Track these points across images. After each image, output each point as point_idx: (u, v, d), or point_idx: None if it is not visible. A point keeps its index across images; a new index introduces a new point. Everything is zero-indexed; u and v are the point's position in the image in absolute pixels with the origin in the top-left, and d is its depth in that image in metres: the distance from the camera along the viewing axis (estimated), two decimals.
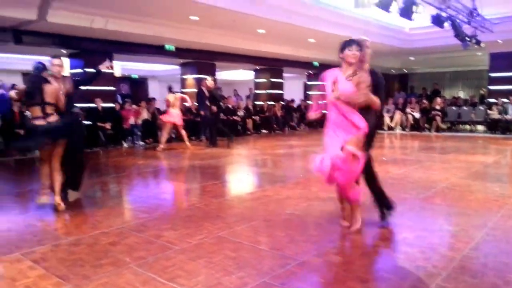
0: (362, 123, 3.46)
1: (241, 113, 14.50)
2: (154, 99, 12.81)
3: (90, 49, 11.08)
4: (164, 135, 10.16)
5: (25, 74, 15.73)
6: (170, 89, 10.44)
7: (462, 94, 19.65)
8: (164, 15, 9.91)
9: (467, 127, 15.59)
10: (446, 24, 9.79)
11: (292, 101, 17.75)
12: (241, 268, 2.99)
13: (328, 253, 3.28)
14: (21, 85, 10.33)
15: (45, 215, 4.46)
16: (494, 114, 13.83)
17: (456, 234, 3.71)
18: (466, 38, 10.95)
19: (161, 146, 9.97)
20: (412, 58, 18.23)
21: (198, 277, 2.85)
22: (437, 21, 9.54)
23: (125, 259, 3.17)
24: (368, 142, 3.64)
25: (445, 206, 4.63)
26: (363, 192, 3.82)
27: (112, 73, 11.99)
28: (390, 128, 15.29)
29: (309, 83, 20.16)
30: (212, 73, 14.97)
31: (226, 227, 3.93)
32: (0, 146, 8.71)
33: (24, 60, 14.43)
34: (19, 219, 4.35)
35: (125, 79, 18.50)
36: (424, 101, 15.62)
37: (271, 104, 16.21)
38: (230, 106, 14.22)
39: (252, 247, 3.41)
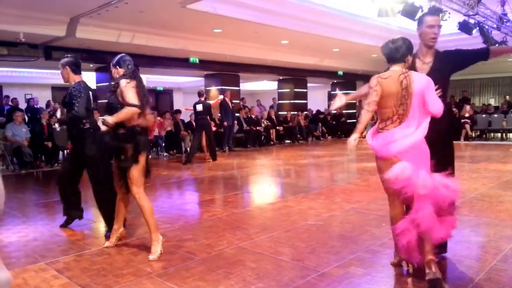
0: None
1: (264, 123, 14.52)
2: (179, 111, 12.98)
3: None
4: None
5: (54, 88, 16.28)
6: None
7: (492, 102, 19.11)
8: (189, 29, 10.07)
9: (498, 135, 15.12)
10: (474, 31, 9.57)
11: (319, 112, 17.67)
12: (260, 279, 2.96)
13: (350, 264, 3.20)
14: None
15: (70, 225, 4.54)
16: None
17: (483, 245, 3.57)
18: (496, 44, 10.66)
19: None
20: None
21: None
22: (465, 27, 9.34)
23: (146, 269, 3.19)
24: None
25: (473, 217, 4.47)
26: None
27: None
28: None
29: (334, 92, 20.02)
30: (236, 84, 15.10)
31: (246, 238, 3.91)
32: (29, 158, 8.95)
33: (54, 75, 14.96)
34: (44, 229, 4.45)
35: (150, 91, 18.89)
36: (453, 109, 15.25)
37: (295, 114, 16.16)
38: (253, 116, 14.27)
39: (272, 258, 3.38)
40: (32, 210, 5.41)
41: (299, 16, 9.64)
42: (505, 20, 10.20)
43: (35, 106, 12.29)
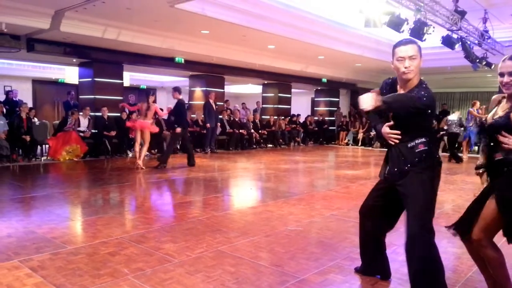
0: None
1: (248, 126, 14.51)
2: (161, 110, 12.83)
3: (101, 59, 11.24)
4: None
5: (35, 81, 15.94)
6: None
7: None
8: (176, 29, 10.00)
9: (476, 148, 15.43)
10: (457, 45, 9.78)
11: (298, 115, 17.71)
12: (239, 283, 2.95)
13: (329, 271, 3.22)
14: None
15: (45, 222, 4.45)
16: None
17: (460, 257, 3.64)
18: (477, 60, 10.92)
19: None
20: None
21: None
22: (448, 42, 9.53)
23: (123, 270, 3.14)
24: None
25: None
26: None
27: (121, 83, 12.15)
28: None
29: (317, 98, 20.19)
30: (221, 86, 15.07)
31: (226, 241, 3.89)
32: (5, 152, 8.73)
33: (35, 68, 14.66)
34: (19, 225, 4.33)
35: (133, 89, 18.65)
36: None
37: (277, 118, 16.21)
38: (236, 119, 14.25)
39: (252, 263, 3.37)
40: (7, 205, 5.26)
41: (287, 22, 9.69)
42: (486, 37, 10.47)
43: (14, 99, 12.02)
